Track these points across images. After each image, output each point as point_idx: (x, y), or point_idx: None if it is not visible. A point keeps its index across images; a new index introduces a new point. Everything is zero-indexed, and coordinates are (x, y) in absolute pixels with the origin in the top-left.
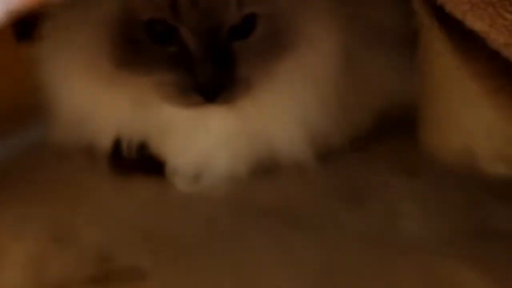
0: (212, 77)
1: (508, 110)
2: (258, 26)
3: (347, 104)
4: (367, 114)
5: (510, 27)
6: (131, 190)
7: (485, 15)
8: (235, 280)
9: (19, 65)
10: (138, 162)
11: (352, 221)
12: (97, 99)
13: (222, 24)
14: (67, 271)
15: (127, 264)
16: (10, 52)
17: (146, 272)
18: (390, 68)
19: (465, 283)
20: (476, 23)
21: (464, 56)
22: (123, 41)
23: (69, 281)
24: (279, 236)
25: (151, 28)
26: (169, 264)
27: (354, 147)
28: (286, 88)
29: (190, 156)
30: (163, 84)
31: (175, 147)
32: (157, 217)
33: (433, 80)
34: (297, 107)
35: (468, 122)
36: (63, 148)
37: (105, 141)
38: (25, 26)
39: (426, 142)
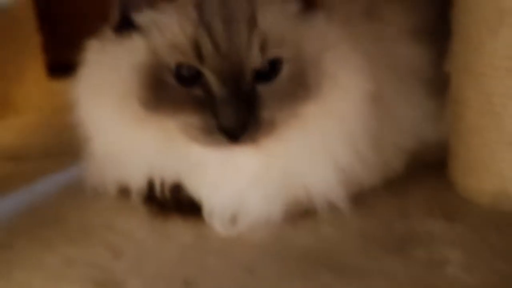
0: (235, 120)
1: None
2: (283, 70)
3: (378, 144)
4: (399, 154)
5: None
6: (169, 233)
7: None
8: None
9: (51, 101)
10: (175, 204)
11: (396, 268)
12: (128, 138)
13: (245, 67)
14: None
15: None
16: (42, 88)
17: None
18: (420, 109)
19: None
20: None
21: None
22: (151, 84)
23: None
24: (324, 284)
25: (177, 72)
26: None
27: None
28: (313, 129)
29: (224, 197)
30: (189, 125)
31: (208, 187)
32: (197, 263)
33: (466, 123)
34: (326, 147)
35: (503, 165)
36: (99, 188)
37: (138, 181)
38: (58, 62)
39: (459, 184)
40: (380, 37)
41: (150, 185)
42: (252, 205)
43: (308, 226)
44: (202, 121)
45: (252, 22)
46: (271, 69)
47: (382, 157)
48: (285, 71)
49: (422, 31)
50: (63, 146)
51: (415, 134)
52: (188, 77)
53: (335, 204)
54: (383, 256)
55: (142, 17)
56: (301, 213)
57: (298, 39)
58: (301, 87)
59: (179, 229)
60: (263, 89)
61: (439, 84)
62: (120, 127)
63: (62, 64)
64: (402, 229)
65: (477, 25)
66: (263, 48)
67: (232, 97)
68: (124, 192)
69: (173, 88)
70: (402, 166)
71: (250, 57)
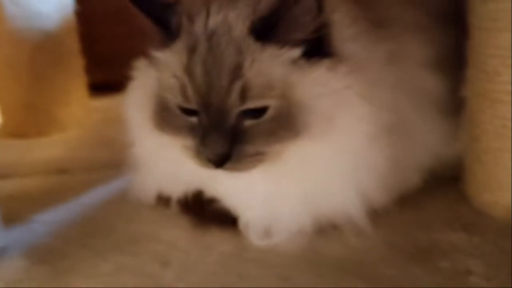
0: (214, 151)
1: None
2: (269, 111)
3: (398, 164)
4: (417, 172)
5: None
6: (210, 243)
7: None
8: None
9: (92, 118)
10: (212, 215)
11: (423, 277)
12: (154, 151)
13: (227, 109)
14: None
15: None
16: (84, 106)
17: None
18: (438, 131)
19: None
20: None
21: None
22: (160, 110)
23: None
24: None
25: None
26: None
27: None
28: (309, 156)
29: (256, 211)
30: (187, 146)
31: (241, 202)
32: (238, 272)
33: (482, 144)
34: (329, 174)
35: None
36: (142, 198)
37: (175, 192)
38: (98, 82)
39: (475, 198)
40: (401, 71)
41: (187, 196)
42: (283, 219)
43: (337, 238)
44: (194, 145)
45: (236, 70)
46: (262, 108)
47: (402, 176)
48: (271, 112)
49: (439, 62)
50: (105, 159)
51: (433, 153)
52: (187, 108)
53: (356, 222)
54: (410, 266)
55: (156, 53)
56: (330, 225)
57: (289, 84)
58: (286, 128)
59: (218, 239)
60: (250, 124)
61: (454, 108)
62: (147, 139)
63: (101, 84)
64: (425, 241)
65: (492, 57)
66: (243, 96)
67: (214, 131)
68: (164, 202)
69: (175, 115)
70: (420, 182)
71: (229, 104)
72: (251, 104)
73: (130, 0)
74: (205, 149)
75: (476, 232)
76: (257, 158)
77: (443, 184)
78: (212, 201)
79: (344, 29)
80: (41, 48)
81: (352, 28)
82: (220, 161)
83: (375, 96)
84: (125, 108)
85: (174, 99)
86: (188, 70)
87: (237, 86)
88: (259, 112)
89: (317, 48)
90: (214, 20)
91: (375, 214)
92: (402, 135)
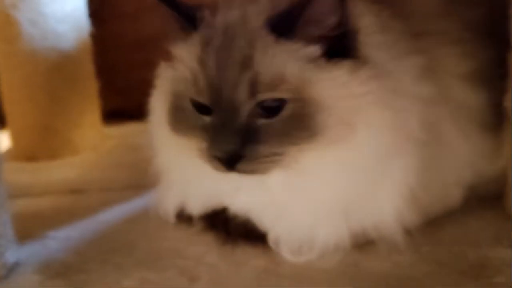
0: (221, 149)
1: None
2: (285, 109)
3: (431, 179)
4: (457, 189)
5: None
6: (240, 259)
7: None
8: None
9: (105, 142)
10: (239, 230)
11: None
12: (173, 158)
13: (237, 104)
14: None
15: None
16: (98, 130)
17: None
18: (478, 146)
19: None
20: None
21: None
22: (175, 109)
23: None
24: None
25: (193, 100)
26: None
27: None
28: (329, 162)
29: (288, 227)
30: (200, 149)
31: (270, 218)
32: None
33: None
34: (351, 177)
35: None
36: (163, 216)
37: (198, 207)
38: (113, 110)
39: None
40: (437, 84)
41: (211, 213)
42: (316, 234)
43: (378, 253)
44: (207, 145)
45: (246, 63)
46: (276, 106)
47: (441, 192)
48: (287, 110)
49: (479, 74)
50: (121, 180)
51: (474, 169)
52: (201, 105)
53: (392, 238)
54: (462, 281)
55: (174, 49)
56: (369, 241)
57: (306, 81)
58: (302, 128)
59: (249, 254)
60: (264, 123)
61: (496, 122)
62: (169, 145)
63: (116, 111)
64: (474, 257)
65: None
66: (253, 88)
67: (224, 128)
68: (186, 220)
69: (189, 114)
70: (461, 199)
71: (239, 97)
72: (261, 97)
73: None
74: (214, 147)
75: None
76: (272, 159)
77: (485, 202)
78: (237, 216)
79: (373, 36)
80: (56, 68)
81: (382, 36)
82: (229, 160)
83: (402, 106)
84: (149, 118)
85: (187, 91)
86: (202, 61)
87: (246, 77)
88: (273, 110)
89: (339, 49)
90: (234, 14)
91: (416, 231)
92: (439, 151)
